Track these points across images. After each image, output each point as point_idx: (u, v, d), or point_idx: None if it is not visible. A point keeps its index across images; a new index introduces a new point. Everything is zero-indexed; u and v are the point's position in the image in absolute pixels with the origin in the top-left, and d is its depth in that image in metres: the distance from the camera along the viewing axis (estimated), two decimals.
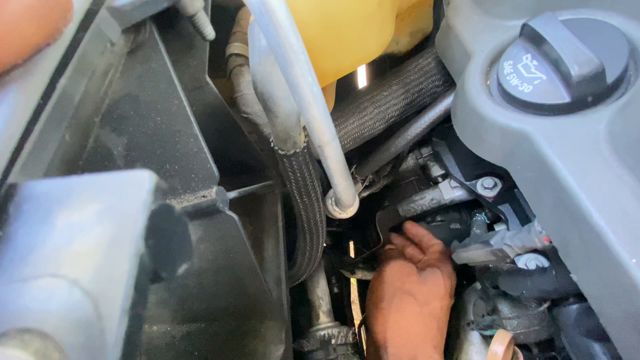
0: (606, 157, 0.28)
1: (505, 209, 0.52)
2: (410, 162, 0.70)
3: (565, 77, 0.31)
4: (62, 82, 0.16)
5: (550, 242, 0.35)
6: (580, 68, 0.30)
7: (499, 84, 0.36)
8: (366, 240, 0.78)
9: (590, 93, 0.31)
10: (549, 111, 0.32)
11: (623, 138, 0.28)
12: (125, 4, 0.20)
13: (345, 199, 0.32)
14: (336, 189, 0.30)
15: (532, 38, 0.35)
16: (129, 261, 0.11)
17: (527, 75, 0.34)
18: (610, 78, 0.31)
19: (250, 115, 0.34)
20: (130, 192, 0.12)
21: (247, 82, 0.34)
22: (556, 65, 0.32)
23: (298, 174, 0.30)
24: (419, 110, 0.58)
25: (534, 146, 0.32)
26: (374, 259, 0.75)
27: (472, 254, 0.46)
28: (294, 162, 0.29)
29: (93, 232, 0.11)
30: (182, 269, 0.12)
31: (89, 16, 0.19)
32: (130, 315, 0.11)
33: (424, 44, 0.65)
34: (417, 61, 0.57)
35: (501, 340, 0.42)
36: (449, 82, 0.56)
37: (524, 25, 0.36)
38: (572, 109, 0.31)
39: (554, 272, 0.38)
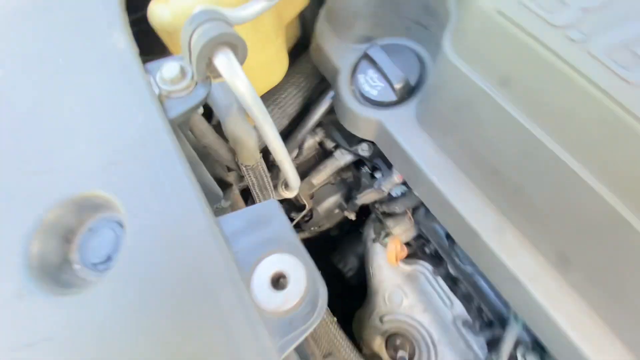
0: (418, 129, 0.54)
1: (378, 161, 0.78)
2: (310, 141, 0.91)
3: (391, 85, 0.55)
4: None
5: (403, 179, 0.62)
6: (396, 81, 0.54)
7: (359, 90, 0.58)
8: (289, 207, 0.98)
9: (405, 93, 0.55)
10: (388, 106, 0.56)
11: (423, 116, 0.54)
12: (176, 117, 0.32)
13: (294, 184, 0.49)
14: (290, 181, 0.47)
15: (370, 60, 0.58)
16: None
17: (373, 84, 0.57)
18: (412, 83, 0.56)
19: (207, 145, 0.47)
20: (275, 215, 0.27)
21: (199, 118, 0.47)
22: (385, 78, 0.56)
23: (258, 178, 0.46)
24: (309, 103, 0.78)
25: (384, 127, 0.55)
26: (298, 225, 0.96)
27: (367, 196, 0.71)
28: (255, 171, 0.45)
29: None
30: None
31: None
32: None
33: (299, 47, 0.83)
34: (304, 66, 0.75)
35: (393, 241, 0.69)
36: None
37: (364, 53, 0.58)
38: (398, 103, 0.56)
39: (409, 194, 0.65)
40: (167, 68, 0.33)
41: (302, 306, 0.28)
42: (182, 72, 0.33)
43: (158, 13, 0.42)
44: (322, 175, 0.86)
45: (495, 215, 0.46)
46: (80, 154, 0.32)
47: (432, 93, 0.50)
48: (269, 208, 0.30)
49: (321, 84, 0.77)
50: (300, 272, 0.29)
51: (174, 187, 0.29)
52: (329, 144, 0.89)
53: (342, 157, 0.86)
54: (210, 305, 0.26)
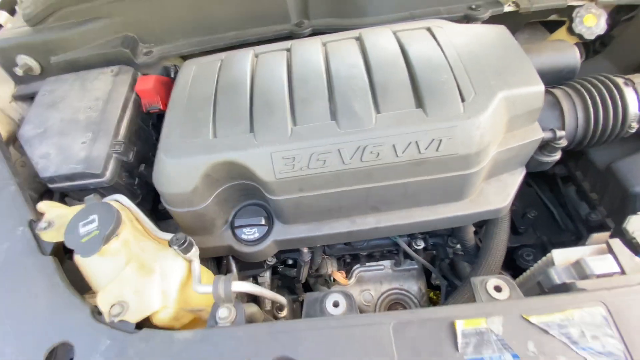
0: (292, 226, 0.97)
1: (284, 255, 1.16)
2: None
3: (259, 224, 0.96)
4: None
5: (307, 248, 1.03)
6: (261, 221, 0.95)
7: (249, 241, 0.96)
8: None
9: (269, 222, 0.97)
10: (269, 232, 0.96)
11: (287, 221, 0.97)
12: None
13: (284, 302, 0.80)
14: (281, 303, 0.77)
15: (238, 225, 0.96)
16: None
17: (252, 232, 0.96)
18: (267, 214, 0.98)
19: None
20: None
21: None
22: (254, 225, 0.96)
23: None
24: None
25: (278, 240, 0.95)
26: None
27: (303, 274, 1.09)
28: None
29: None
30: None
31: None
32: None
33: None
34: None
35: (335, 276, 1.09)
36: None
37: (232, 226, 0.96)
38: (271, 227, 0.97)
39: (315, 250, 1.07)
40: (222, 312, 0.61)
41: None
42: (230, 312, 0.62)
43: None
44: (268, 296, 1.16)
45: (345, 222, 0.95)
46: None
47: (279, 212, 0.93)
48: None
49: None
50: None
51: None
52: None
53: (264, 278, 1.19)
54: None
